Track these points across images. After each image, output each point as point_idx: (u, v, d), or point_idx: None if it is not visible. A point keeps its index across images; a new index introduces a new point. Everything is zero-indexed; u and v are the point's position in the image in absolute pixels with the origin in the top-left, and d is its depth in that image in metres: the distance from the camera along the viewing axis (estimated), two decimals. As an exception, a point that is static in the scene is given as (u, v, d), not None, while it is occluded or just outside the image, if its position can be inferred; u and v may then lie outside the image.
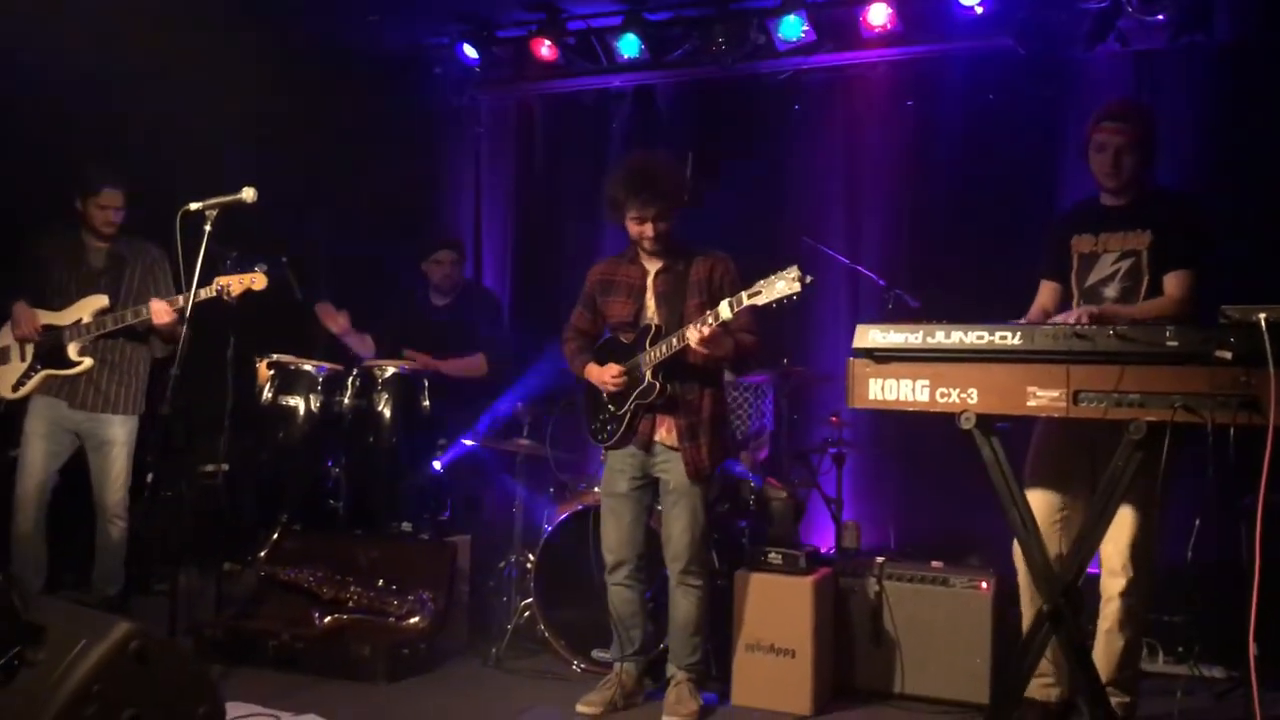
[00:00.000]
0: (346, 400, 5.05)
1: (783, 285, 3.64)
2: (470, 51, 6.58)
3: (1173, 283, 3.68)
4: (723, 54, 6.03)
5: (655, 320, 4.08)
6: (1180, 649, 4.52)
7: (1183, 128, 5.15)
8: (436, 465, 5.19)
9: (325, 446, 5.19)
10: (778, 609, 4.21)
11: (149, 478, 4.35)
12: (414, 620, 4.64)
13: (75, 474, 4.94)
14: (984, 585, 4.23)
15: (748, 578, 4.29)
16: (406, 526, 5.07)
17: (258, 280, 4.50)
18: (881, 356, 3.32)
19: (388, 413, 5.05)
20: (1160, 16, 5.26)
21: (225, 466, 5.31)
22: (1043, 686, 3.81)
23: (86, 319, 4.82)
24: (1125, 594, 3.66)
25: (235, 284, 4.46)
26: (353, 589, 4.73)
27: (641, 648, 4.23)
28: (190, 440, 5.34)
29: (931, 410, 3.27)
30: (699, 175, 5.05)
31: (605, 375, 4.10)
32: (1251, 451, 2.85)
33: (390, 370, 5.13)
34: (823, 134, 6.15)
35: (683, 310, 4.01)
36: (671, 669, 4.12)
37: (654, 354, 3.99)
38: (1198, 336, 2.94)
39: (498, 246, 7.07)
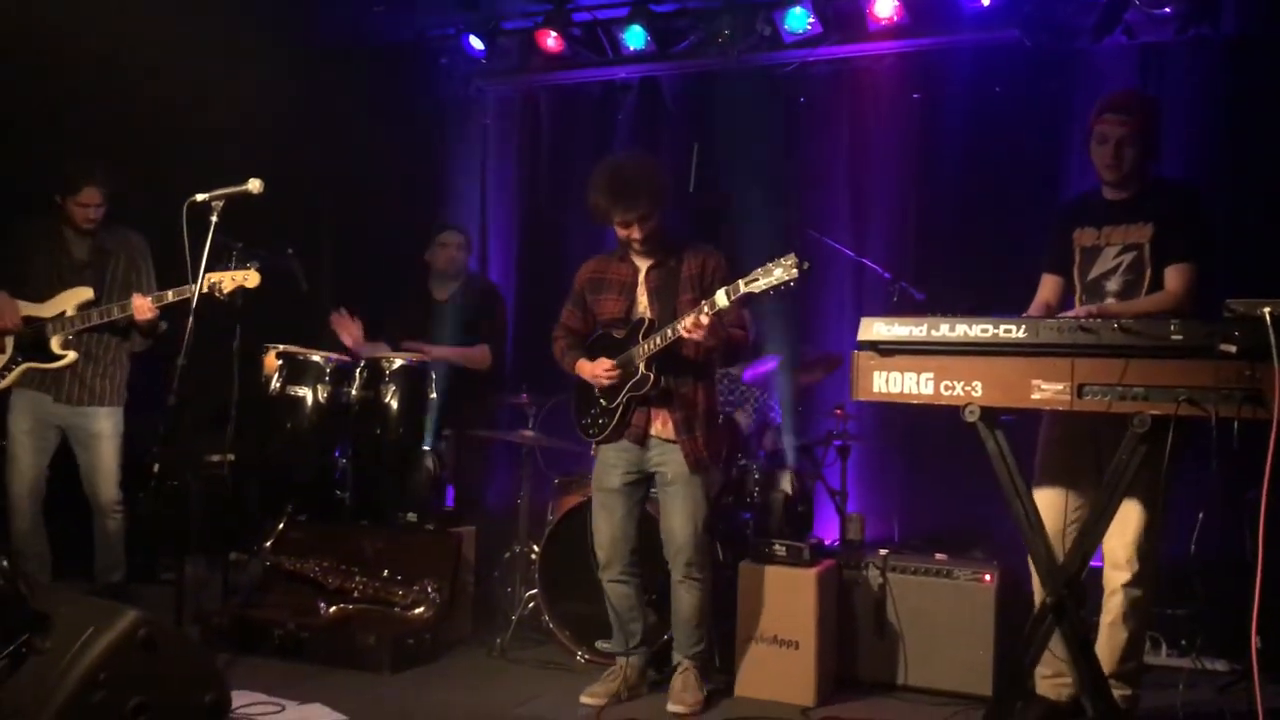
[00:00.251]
0: (354, 391, 5.06)
1: (780, 272, 3.62)
2: (476, 43, 6.59)
3: (1173, 276, 3.67)
4: (728, 46, 6.04)
5: (648, 315, 4.09)
6: (1183, 642, 4.53)
7: (1188, 121, 5.14)
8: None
9: (332, 437, 5.20)
10: (782, 601, 4.22)
11: (155, 468, 4.35)
12: (419, 610, 4.66)
13: (68, 465, 4.91)
14: (987, 577, 4.24)
15: (752, 570, 4.30)
16: (412, 517, 5.08)
17: (250, 278, 4.42)
18: (886, 349, 3.33)
19: (395, 404, 5.06)
20: (1167, 9, 5.26)
21: (231, 457, 5.32)
22: (1056, 685, 3.80)
23: (70, 312, 4.75)
24: (1129, 587, 3.66)
25: (227, 281, 4.37)
26: (358, 579, 4.75)
27: (643, 641, 4.24)
28: (196, 430, 5.35)
29: (936, 403, 3.27)
30: (703, 167, 5.08)
31: (598, 370, 4.10)
32: (1255, 445, 2.85)
33: (398, 362, 5.14)
34: (828, 126, 6.15)
35: (675, 305, 4.01)
36: (677, 656, 4.13)
37: (647, 346, 3.99)
38: (1202, 330, 2.94)
39: (504, 237, 7.07)
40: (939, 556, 4.40)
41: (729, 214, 5.66)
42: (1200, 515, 3.10)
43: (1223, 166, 5.14)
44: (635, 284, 4.16)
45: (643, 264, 4.16)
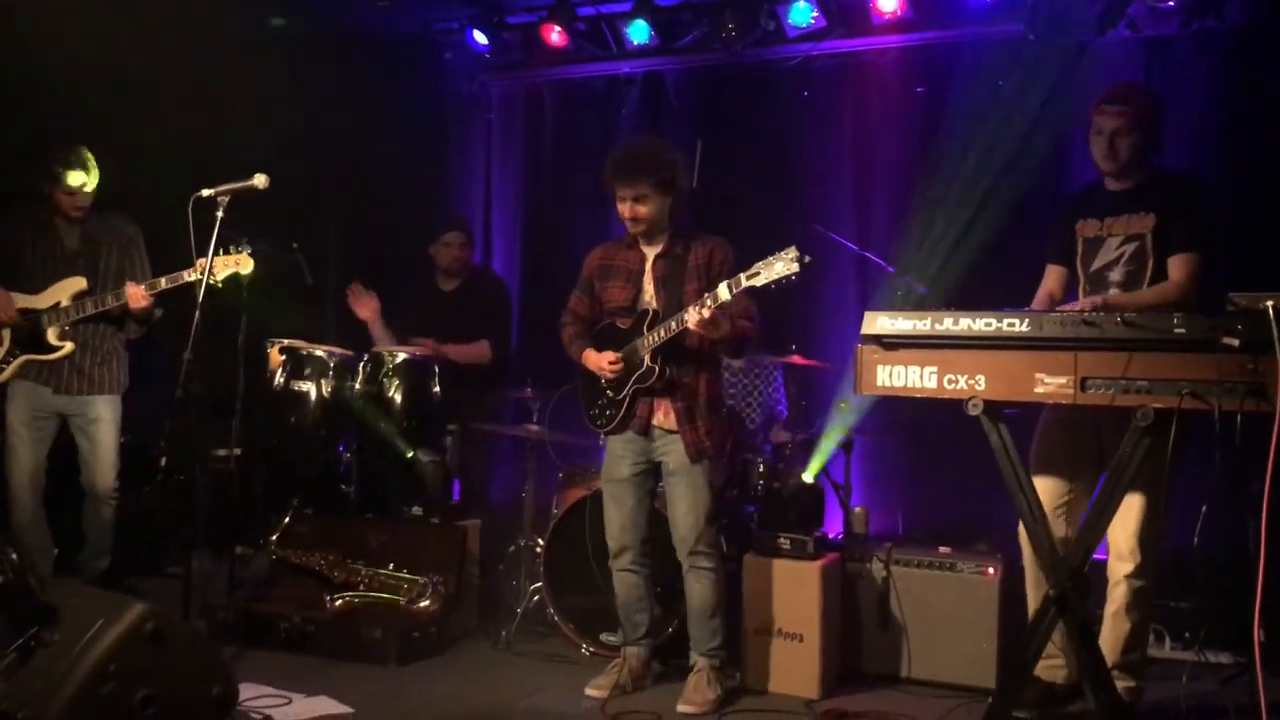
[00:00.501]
0: (357, 385, 5.08)
1: (781, 266, 3.63)
2: (480, 37, 6.59)
3: (1176, 266, 3.68)
4: (732, 40, 6.03)
5: (653, 305, 4.09)
6: (1186, 635, 4.53)
7: (1193, 113, 5.13)
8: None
9: (336, 431, 5.22)
10: (786, 594, 4.23)
11: (161, 462, 4.38)
12: (424, 603, 4.68)
13: (70, 457, 4.92)
14: (991, 570, 4.25)
15: (756, 563, 4.32)
16: (417, 511, 5.10)
17: (243, 262, 4.42)
18: (890, 343, 3.34)
19: (398, 398, 5.08)
20: (1171, 2, 5.24)
21: (237, 451, 5.34)
22: (1049, 668, 3.83)
23: (65, 302, 4.74)
24: (1132, 578, 3.68)
25: (220, 265, 4.35)
26: (364, 572, 4.77)
27: (647, 633, 4.25)
28: (202, 425, 5.37)
29: (939, 397, 3.28)
30: (707, 161, 5.08)
31: (603, 361, 4.11)
32: (1258, 438, 2.86)
33: (401, 356, 5.16)
34: (832, 120, 6.14)
35: (681, 295, 4.01)
36: (693, 656, 4.12)
37: (652, 338, 4.00)
38: (1205, 324, 2.95)
39: (508, 231, 7.08)
40: (942, 550, 4.41)
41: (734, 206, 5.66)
42: (1203, 508, 3.12)
43: (1227, 159, 5.14)
44: (642, 272, 4.16)
45: (650, 252, 4.16)
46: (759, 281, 3.68)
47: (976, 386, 3.23)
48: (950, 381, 3.26)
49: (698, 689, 4.02)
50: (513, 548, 5.14)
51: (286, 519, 5.04)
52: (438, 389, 5.18)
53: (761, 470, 4.95)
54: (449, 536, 4.87)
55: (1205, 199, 3.85)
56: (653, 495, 4.23)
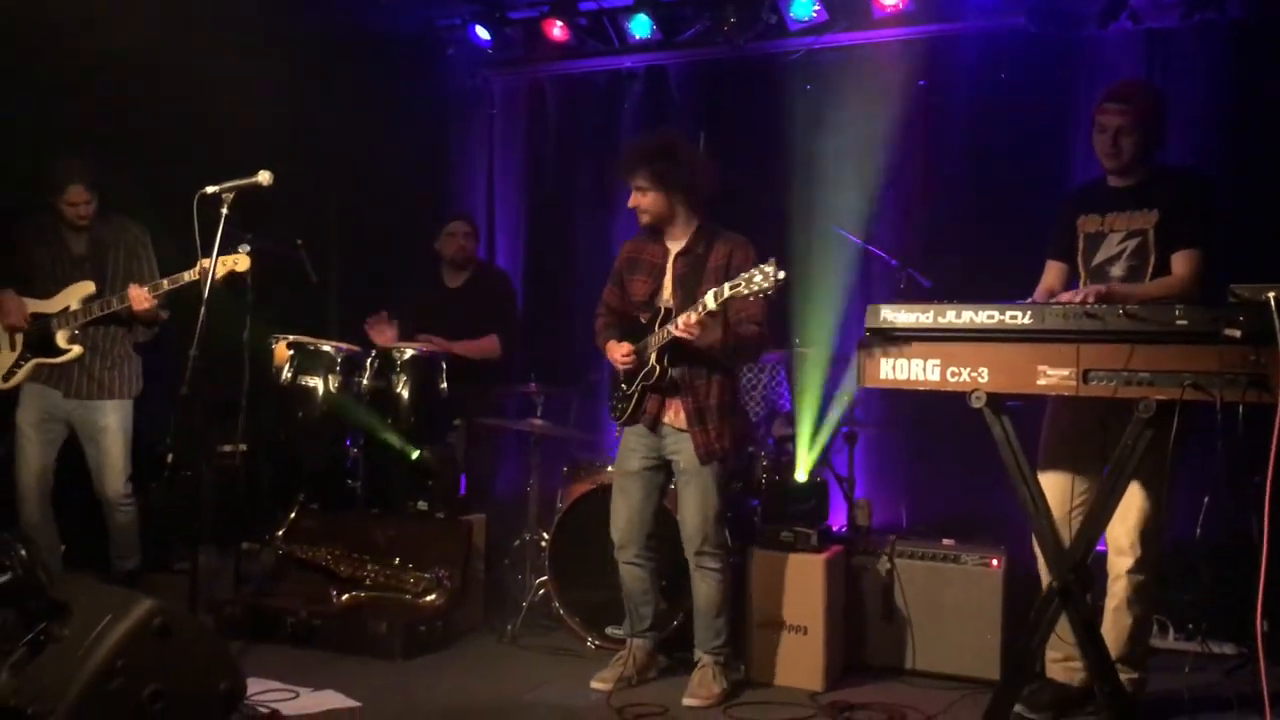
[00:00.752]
0: (365, 381, 5.08)
1: (759, 278, 3.63)
2: (482, 33, 6.60)
3: (1180, 262, 3.69)
4: (734, 34, 6.03)
5: (669, 303, 4.10)
6: (1190, 626, 4.54)
7: (1195, 106, 5.14)
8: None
9: (343, 426, 5.23)
10: (790, 586, 4.25)
11: (169, 458, 4.39)
12: (430, 598, 4.70)
13: (78, 455, 4.94)
14: (995, 562, 4.26)
15: (761, 556, 4.33)
16: (423, 506, 5.11)
17: (240, 261, 4.43)
18: (893, 336, 3.35)
19: (406, 394, 5.09)
20: (1172, -6, 5.26)
21: (243, 446, 5.36)
22: (1066, 669, 3.83)
23: (74, 306, 4.77)
24: (1133, 572, 3.68)
25: (218, 267, 4.33)
26: (370, 567, 4.79)
27: (652, 625, 4.27)
28: (208, 421, 5.39)
29: (942, 389, 3.30)
30: (710, 155, 5.08)
31: (616, 354, 4.15)
32: (1260, 429, 2.87)
33: (409, 352, 5.16)
34: (834, 114, 6.14)
35: (696, 295, 4.01)
36: (697, 653, 4.14)
37: (659, 337, 4.02)
38: (1207, 315, 2.96)
39: (511, 226, 7.09)
40: (946, 542, 4.42)
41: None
42: (1206, 500, 3.12)
43: (1229, 152, 5.14)
44: (664, 268, 4.17)
45: (673, 247, 4.17)
46: (739, 293, 3.69)
47: (979, 379, 3.25)
48: (953, 374, 3.28)
49: (703, 683, 4.04)
50: (518, 542, 5.16)
51: (293, 514, 5.06)
52: (445, 385, 5.19)
53: (765, 464, 4.96)
54: (454, 531, 4.89)
55: (1209, 195, 3.85)
56: (662, 491, 4.24)
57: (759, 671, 4.26)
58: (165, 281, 4.65)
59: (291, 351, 5.11)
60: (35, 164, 4.81)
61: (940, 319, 3.27)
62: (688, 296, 4.02)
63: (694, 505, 4.07)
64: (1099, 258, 3.85)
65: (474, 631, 4.84)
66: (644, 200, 4.10)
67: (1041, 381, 3.17)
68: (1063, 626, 3.46)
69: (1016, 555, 4.17)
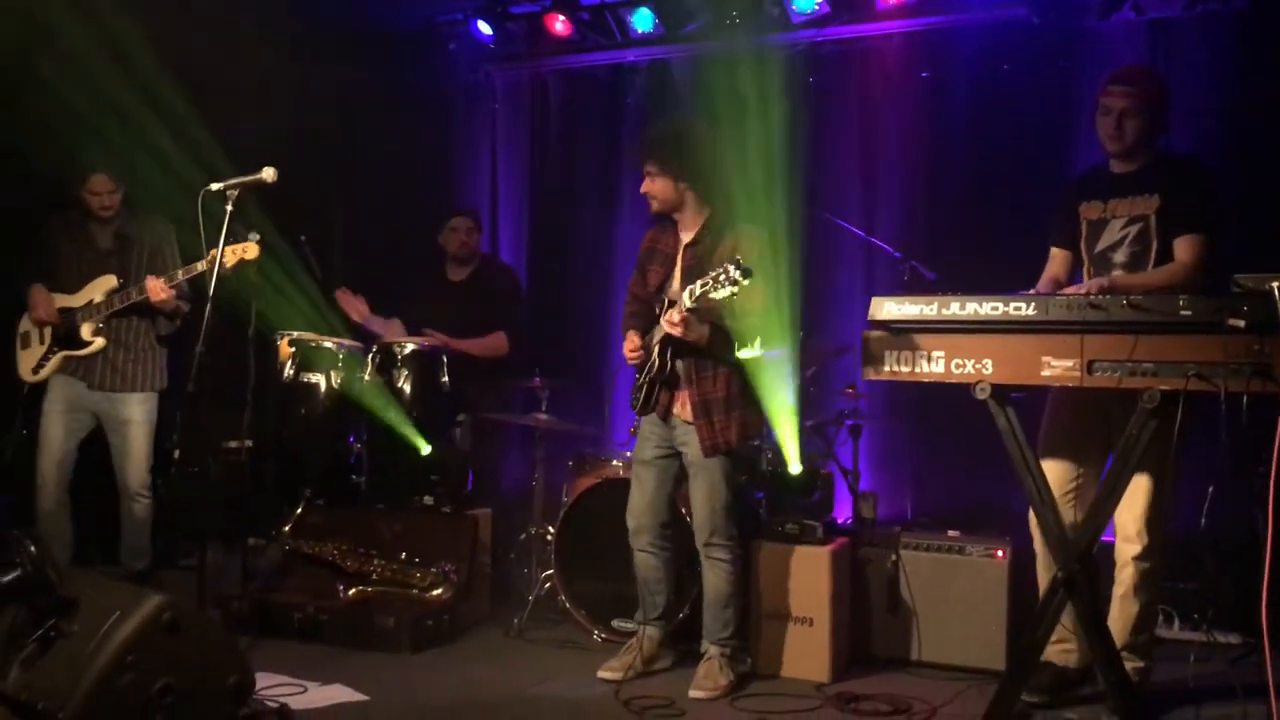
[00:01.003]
0: (367, 377, 5.10)
1: (724, 278, 3.65)
2: (484, 27, 6.61)
3: (1183, 247, 3.69)
4: (737, 27, 6.03)
5: (676, 295, 4.10)
6: (1195, 616, 4.55)
7: (1199, 96, 5.11)
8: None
9: (347, 422, 5.25)
10: (796, 578, 4.26)
11: (175, 454, 4.40)
12: (437, 592, 4.71)
13: (97, 449, 5.02)
14: (1000, 553, 4.27)
15: (766, 548, 4.34)
16: (428, 500, 5.13)
17: (250, 249, 4.46)
18: (897, 328, 3.35)
19: (408, 389, 5.11)
20: (1175, -16, 5.25)
21: (249, 443, 5.37)
22: (1061, 652, 3.85)
23: (98, 299, 4.88)
24: (1139, 560, 3.70)
25: (229, 255, 4.40)
26: (376, 562, 4.80)
27: (664, 614, 4.28)
28: (214, 417, 5.41)
29: (947, 381, 3.31)
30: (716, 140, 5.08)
31: (626, 346, 4.19)
32: (1264, 419, 2.87)
33: (410, 347, 5.19)
34: (837, 106, 6.13)
35: None
36: (704, 644, 4.15)
37: (659, 330, 4.05)
38: (1211, 305, 2.97)
39: (514, 221, 7.09)
40: (951, 533, 4.43)
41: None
42: (1210, 489, 3.13)
43: (1234, 141, 5.12)
44: (675, 259, 4.19)
45: (685, 236, 4.19)
46: (709, 291, 3.72)
47: (984, 370, 3.25)
48: (958, 366, 3.29)
49: (709, 675, 4.05)
50: (524, 536, 5.18)
51: (299, 510, 5.08)
52: (446, 379, 5.20)
53: (770, 456, 4.96)
54: (460, 525, 4.90)
55: (1211, 181, 3.85)
56: (677, 482, 4.25)
57: (765, 663, 4.27)
58: (180, 272, 4.73)
59: (294, 348, 5.14)
60: (55, 160, 4.88)
61: (944, 311, 3.28)
62: None
63: (702, 497, 4.08)
64: (1101, 244, 3.86)
65: (480, 625, 4.85)
66: (653, 186, 4.13)
67: (1046, 373, 3.17)
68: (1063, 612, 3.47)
69: (1021, 546, 4.17)
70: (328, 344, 5.18)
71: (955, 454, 5.35)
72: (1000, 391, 3.28)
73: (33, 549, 3.03)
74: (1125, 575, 3.74)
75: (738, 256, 3.69)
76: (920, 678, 4.22)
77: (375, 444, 5.28)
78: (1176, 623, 4.61)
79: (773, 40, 6.09)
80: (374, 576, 4.78)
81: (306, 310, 5.44)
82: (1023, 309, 3.18)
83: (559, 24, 6.40)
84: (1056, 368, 3.16)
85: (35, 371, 4.92)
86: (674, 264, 4.19)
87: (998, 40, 5.67)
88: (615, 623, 4.57)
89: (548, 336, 6.46)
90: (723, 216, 4.15)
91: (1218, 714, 3.53)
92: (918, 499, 5.64)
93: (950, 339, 3.30)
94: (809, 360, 5.22)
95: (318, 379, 5.13)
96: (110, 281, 4.90)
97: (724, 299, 3.73)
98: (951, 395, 3.37)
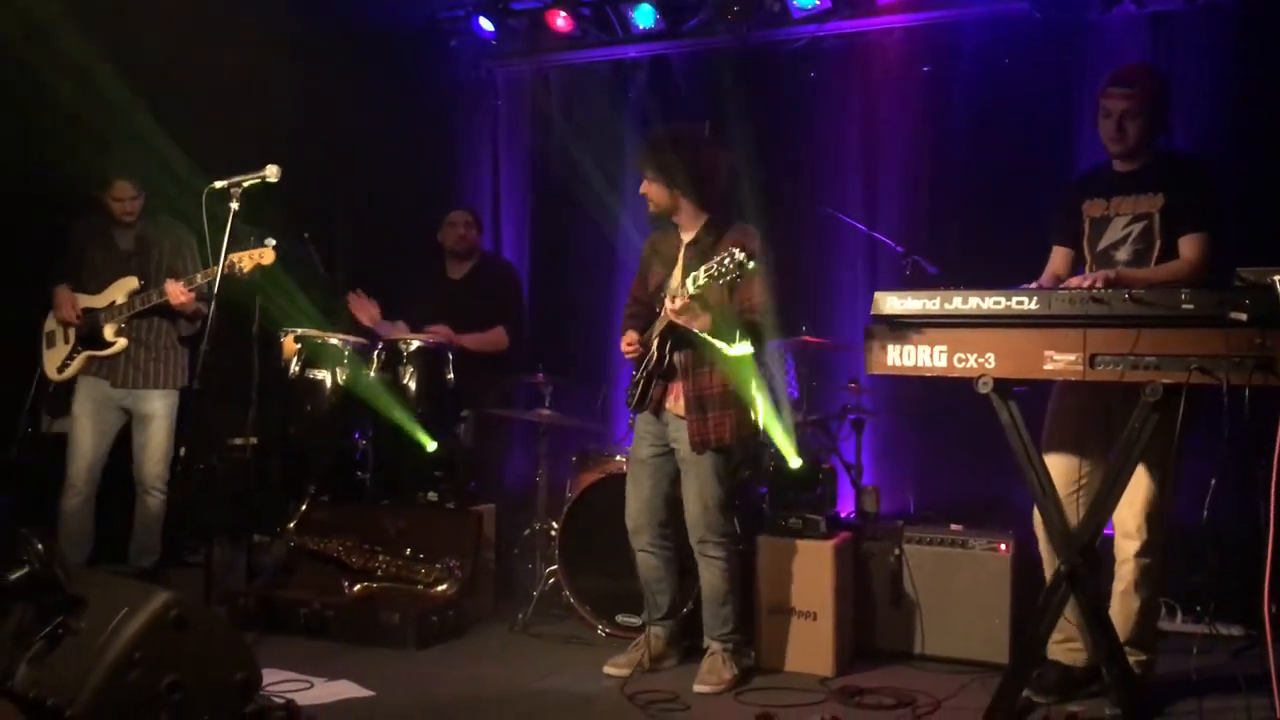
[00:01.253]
0: (372, 373, 5.12)
1: (728, 261, 3.69)
2: (486, 24, 6.61)
3: (1188, 246, 3.69)
4: (738, 23, 6.04)
5: (676, 290, 4.12)
6: (1197, 608, 4.55)
7: (1201, 90, 5.12)
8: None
9: (351, 419, 5.27)
10: (799, 573, 4.27)
11: (181, 451, 4.43)
12: (442, 588, 4.73)
13: (114, 453, 5.06)
14: (1003, 547, 4.28)
15: (769, 543, 4.35)
16: (432, 496, 5.14)
17: (266, 255, 4.58)
18: (899, 323, 3.36)
19: (413, 385, 5.13)
20: (1177, -24, 5.24)
21: (254, 439, 5.40)
22: (1068, 650, 3.85)
23: (120, 300, 4.97)
24: (1140, 555, 3.70)
25: (246, 259, 4.54)
26: (381, 558, 4.82)
27: (669, 613, 4.30)
28: (219, 414, 5.43)
29: (949, 375, 3.31)
30: (714, 145, 5.09)
31: (623, 342, 4.21)
32: (1267, 412, 2.88)
33: (415, 344, 5.20)
34: (839, 101, 6.14)
35: None
36: (706, 640, 4.17)
37: (659, 323, 4.08)
38: (1213, 299, 2.97)
39: (516, 217, 7.10)
40: (954, 527, 4.44)
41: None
42: (1213, 482, 3.13)
43: (1236, 135, 5.12)
44: (676, 259, 4.21)
45: (685, 237, 4.21)
46: (714, 275, 3.74)
47: (986, 365, 3.26)
48: (960, 360, 3.29)
49: (713, 670, 4.06)
50: (528, 531, 5.18)
51: (304, 506, 5.09)
52: (451, 376, 5.22)
53: (773, 451, 4.97)
54: (464, 521, 4.91)
55: (1214, 180, 3.85)
56: (673, 480, 4.26)
57: (769, 657, 4.28)
58: (199, 276, 4.82)
59: (299, 345, 5.16)
60: (76, 162, 4.93)
61: (947, 305, 3.28)
62: None
63: (694, 493, 4.10)
64: (1104, 242, 3.86)
65: (485, 621, 4.87)
66: (649, 190, 4.16)
67: (1048, 366, 3.18)
68: (1067, 608, 3.48)
69: (1024, 540, 4.18)
70: (333, 340, 5.20)
71: (958, 448, 5.36)
72: (1003, 385, 3.29)
73: (40, 547, 3.04)
74: (1125, 571, 3.74)
75: (742, 243, 3.73)
76: (924, 671, 4.23)
77: (380, 440, 5.30)
78: (1179, 615, 4.62)
79: (774, 35, 6.11)
80: (379, 572, 4.80)
81: (310, 307, 5.46)
82: (1025, 303, 3.19)
83: (560, 20, 6.40)
84: (1059, 362, 3.16)
85: (59, 371, 5.04)
86: (675, 264, 4.20)
87: (999, 34, 5.67)
88: (619, 618, 4.59)
89: (550, 332, 6.48)
90: (722, 217, 4.17)
91: (1220, 706, 3.54)
92: (920, 493, 5.65)
93: (953, 333, 3.30)
94: (811, 354, 5.24)
95: (323, 375, 5.15)
96: (132, 283, 4.99)
97: (726, 285, 3.74)
98: (954, 389, 3.38)
